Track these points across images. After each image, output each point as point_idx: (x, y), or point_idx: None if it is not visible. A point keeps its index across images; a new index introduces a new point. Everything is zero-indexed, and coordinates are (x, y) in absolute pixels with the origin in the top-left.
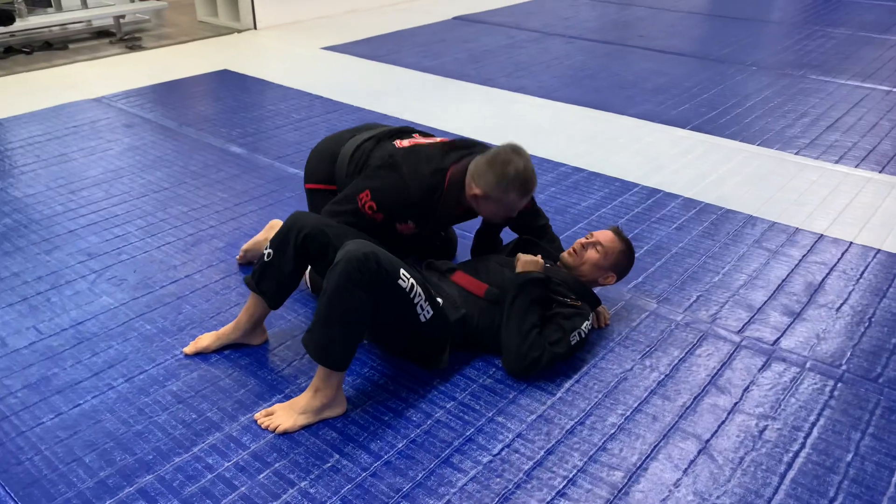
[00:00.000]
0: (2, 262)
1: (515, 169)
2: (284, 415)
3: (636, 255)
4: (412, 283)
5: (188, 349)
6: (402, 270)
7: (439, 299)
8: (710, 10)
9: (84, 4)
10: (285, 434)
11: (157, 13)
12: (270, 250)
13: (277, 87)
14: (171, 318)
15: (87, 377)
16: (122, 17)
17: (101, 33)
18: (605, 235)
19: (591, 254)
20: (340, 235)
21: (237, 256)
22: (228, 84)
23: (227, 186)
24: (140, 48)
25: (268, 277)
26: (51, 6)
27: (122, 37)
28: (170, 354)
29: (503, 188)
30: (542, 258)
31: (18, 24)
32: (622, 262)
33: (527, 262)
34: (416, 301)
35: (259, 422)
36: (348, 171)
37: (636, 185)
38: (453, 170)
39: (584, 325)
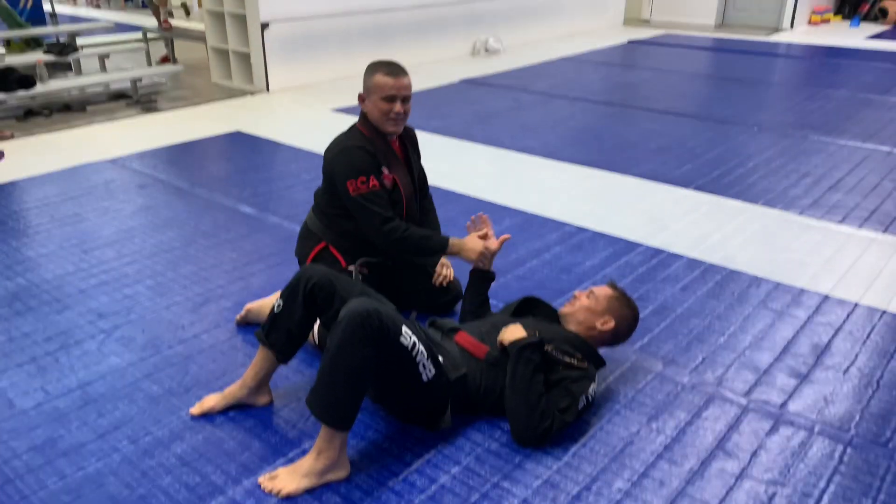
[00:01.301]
0: (13, 322)
1: (374, 62)
2: (288, 478)
3: (641, 315)
4: (414, 341)
5: (194, 410)
6: (404, 328)
7: (441, 358)
8: (712, 72)
9: (103, 68)
10: (288, 498)
11: (172, 76)
12: (280, 301)
13: (288, 148)
14: (177, 379)
15: (93, 439)
16: (139, 80)
17: (118, 96)
18: (599, 287)
19: (584, 300)
20: (347, 288)
21: (237, 316)
22: (240, 145)
23: (237, 246)
24: (155, 110)
25: (277, 329)
26: (71, 70)
27: (138, 99)
28: (175, 416)
29: (369, 74)
30: (539, 318)
31: (39, 88)
32: (616, 307)
33: (510, 332)
34: (418, 359)
35: (262, 485)
36: (320, 221)
37: (640, 244)
38: (359, 121)
39: (591, 387)
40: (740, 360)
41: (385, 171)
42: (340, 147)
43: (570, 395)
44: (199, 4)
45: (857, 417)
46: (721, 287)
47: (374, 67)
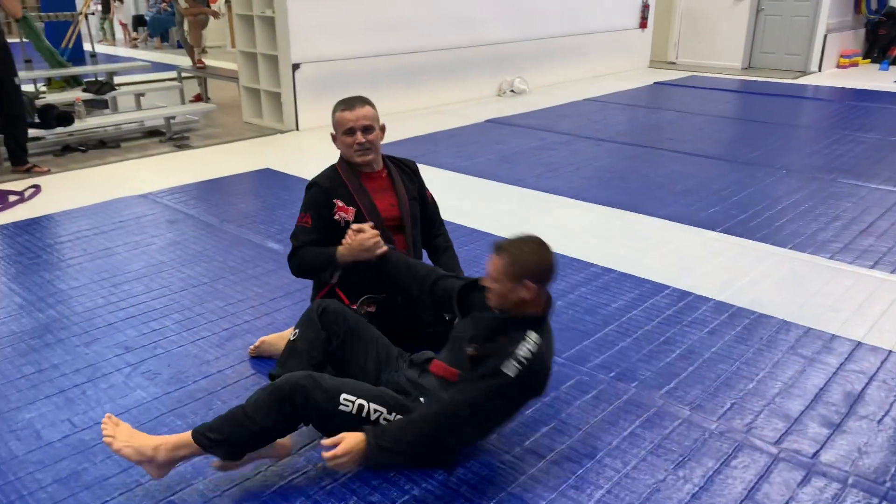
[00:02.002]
0: (43, 354)
1: (337, 102)
2: (124, 435)
3: (667, 359)
4: (360, 404)
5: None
6: (343, 396)
7: (415, 403)
8: (738, 114)
9: (138, 106)
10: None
11: (205, 114)
12: (296, 330)
13: None
14: (201, 414)
15: (116, 472)
16: (173, 117)
17: (152, 133)
18: (489, 262)
19: (489, 284)
20: (355, 319)
21: (251, 347)
22: (269, 182)
23: (264, 282)
24: (188, 147)
25: (294, 356)
26: (107, 107)
27: (171, 136)
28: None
29: (333, 114)
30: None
31: (77, 125)
32: (512, 269)
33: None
34: (374, 417)
35: (104, 423)
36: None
37: (667, 286)
38: (338, 160)
39: (518, 352)
40: (770, 408)
41: (339, 203)
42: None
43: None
44: (233, 45)
45: (893, 469)
46: (749, 331)
47: (336, 106)
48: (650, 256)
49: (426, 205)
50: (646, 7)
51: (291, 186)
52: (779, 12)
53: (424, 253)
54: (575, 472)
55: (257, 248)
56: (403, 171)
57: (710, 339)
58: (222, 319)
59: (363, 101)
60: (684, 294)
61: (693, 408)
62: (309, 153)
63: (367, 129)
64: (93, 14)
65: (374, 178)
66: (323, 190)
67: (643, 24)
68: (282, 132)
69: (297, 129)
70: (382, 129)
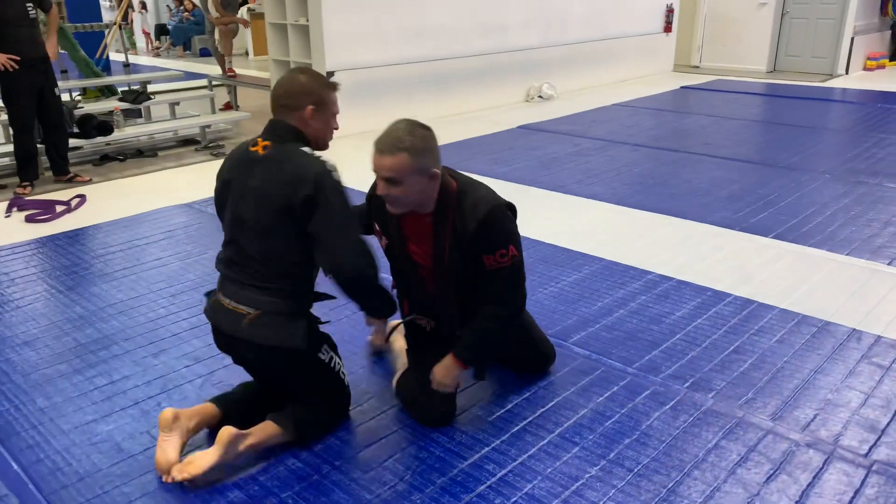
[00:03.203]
0: (112, 365)
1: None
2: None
3: (740, 368)
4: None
5: None
6: (324, 346)
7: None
8: (770, 118)
9: (173, 115)
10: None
11: (236, 122)
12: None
13: (358, 193)
14: None
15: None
16: (209, 126)
17: (187, 141)
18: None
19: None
20: None
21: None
22: None
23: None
24: (223, 155)
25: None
26: (141, 117)
27: (206, 145)
28: (282, 464)
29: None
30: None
31: (115, 135)
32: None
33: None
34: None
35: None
36: None
37: (728, 294)
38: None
39: None
40: (854, 419)
41: (377, 227)
42: None
43: None
44: (254, 53)
45: None
46: (819, 340)
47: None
48: (705, 263)
49: (482, 269)
50: (670, 11)
51: None
52: (804, 15)
53: None
54: (665, 486)
55: None
56: (461, 224)
57: (781, 349)
58: None
59: (394, 146)
60: (747, 302)
61: (775, 419)
62: (344, 160)
63: (389, 182)
64: (127, 25)
65: (418, 219)
66: (374, 206)
67: (668, 29)
68: None
69: None
70: (429, 175)
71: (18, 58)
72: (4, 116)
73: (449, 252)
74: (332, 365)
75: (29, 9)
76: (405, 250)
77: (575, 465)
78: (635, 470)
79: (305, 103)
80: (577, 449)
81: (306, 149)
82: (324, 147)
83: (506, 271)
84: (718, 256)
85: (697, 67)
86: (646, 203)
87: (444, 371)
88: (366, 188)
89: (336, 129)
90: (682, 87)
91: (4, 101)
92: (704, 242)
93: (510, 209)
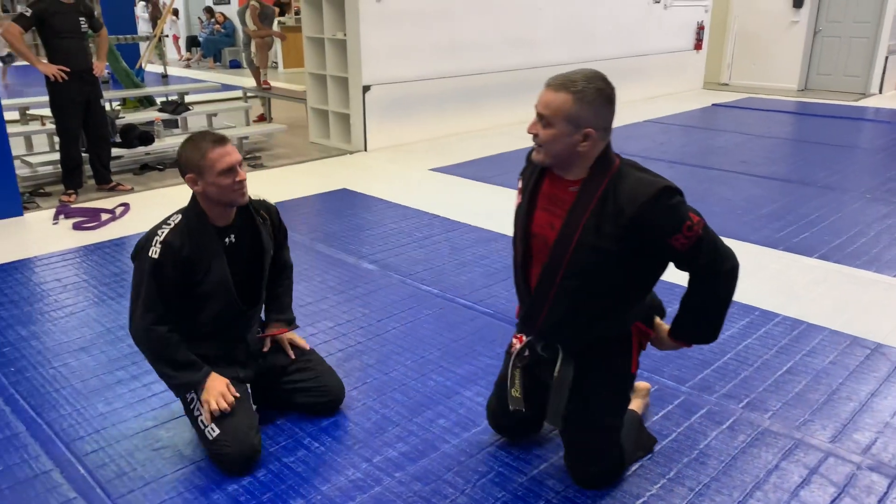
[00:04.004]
0: None
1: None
2: None
3: (795, 389)
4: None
5: None
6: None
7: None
8: (804, 136)
9: (209, 126)
10: None
11: (270, 134)
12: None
13: (396, 205)
14: (337, 437)
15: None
16: (246, 138)
17: None
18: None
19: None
20: None
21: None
22: (349, 202)
23: (366, 302)
24: (262, 167)
25: None
26: (178, 127)
27: (244, 156)
28: (342, 474)
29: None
30: None
31: (155, 145)
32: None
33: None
34: None
35: None
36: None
37: (776, 314)
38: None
39: None
40: None
41: (520, 182)
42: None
43: None
44: (285, 65)
45: None
46: (873, 362)
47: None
48: (750, 282)
49: (674, 255)
50: (701, 28)
51: (371, 206)
52: (837, 34)
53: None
54: None
55: (353, 269)
56: (619, 200)
57: (835, 370)
58: (336, 340)
59: (563, 84)
60: (796, 322)
61: (833, 440)
62: (381, 174)
63: (541, 119)
64: (167, 37)
65: (561, 184)
66: (529, 157)
67: (698, 46)
68: (350, 153)
69: (366, 149)
70: (583, 131)
71: (68, 69)
72: (50, 126)
73: (582, 230)
74: (193, 408)
75: (81, 22)
76: (529, 215)
77: (635, 484)
78: (696, 489)
79: (184, 173)
80: (637, 467)
81: (171, 218)
82: (231, 205)
83: (704, 241)
84: (763, 276)
85: (727, 85)
86: None
87: (667, 345)
88: (399, 197)
89: (230, 184)
90: (713, 105)
91: (53, 111)
92: (747, 261)
93: (678, 191)
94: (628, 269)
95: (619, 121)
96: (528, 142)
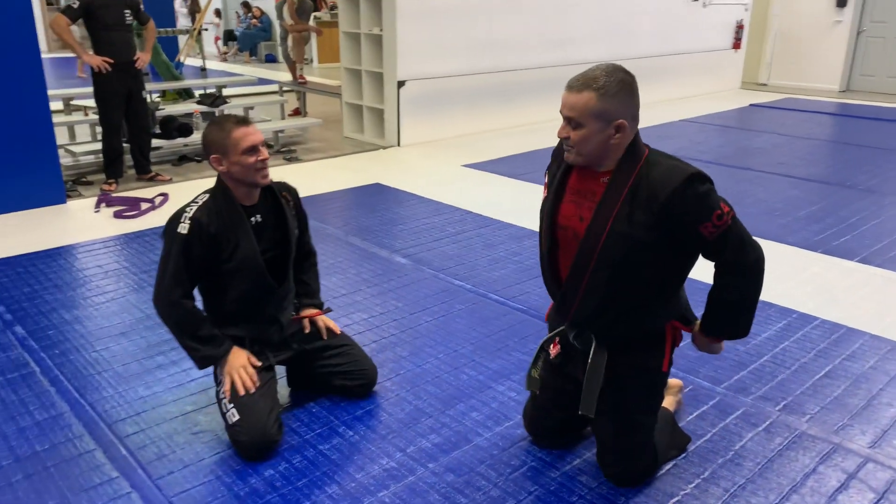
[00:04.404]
0: None
1: (217, 119)
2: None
3: (834, 393)
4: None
5: None
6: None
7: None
8: (845, 138)
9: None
10: None
11: (305, 128)
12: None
13: (429, 201)
14: (371, 426)
15: (306, 484)
16: (282, 131)
17: None
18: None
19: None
20: None
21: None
22: (382, 196)
23: (400, 295)
24: (297, 160)
25: None
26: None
27: (279, 149)
28: (377, 464)
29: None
30: None
31: (193, 136)
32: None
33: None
34: None
35: None
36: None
37: (815, 318)
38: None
39: None
40: None
41: (546, 177)
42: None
43: None
44: (320, 60)
45: None
46: None
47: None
48: (788, 285)
49: (702, 243)
50: (740, 27)
51: (404, 201)
52: (881, 34)
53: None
54: None
55: (386, 262)
56: (652, 188)
57: (875, 375)
58: (369, 332)
59: (585, 84)
60: (836, 326)
61: (873, 446)
62: (414, 169)
63: (570, 122)
64: (206, 30)
65: (590, 176)
66: (556, 153)
67: (736, 45)
68: (384, 148)
69: (399, 145)
70: (615, 125)
71: (112, 60)
72: (93, 116)
73: (614, 220)
74: (218, 391)
75: (126, 15)
76: (555, 207)
77: (669, 482)
78: (731, 490)
79: (209, 154)
80: (671, 466)
81: (199, 197)
82: (254, 185)
83: (732, 232)
84: (801, 278)
85: (765, 85)
86: None
87: (706, 346)
88: (432, 193)
89: (253, 163)
90: (750, 105)
91: (97, 102)
92: (785, 263)
93: (707, 177)
94: (659, 260)
95: (654, 119)
96: None
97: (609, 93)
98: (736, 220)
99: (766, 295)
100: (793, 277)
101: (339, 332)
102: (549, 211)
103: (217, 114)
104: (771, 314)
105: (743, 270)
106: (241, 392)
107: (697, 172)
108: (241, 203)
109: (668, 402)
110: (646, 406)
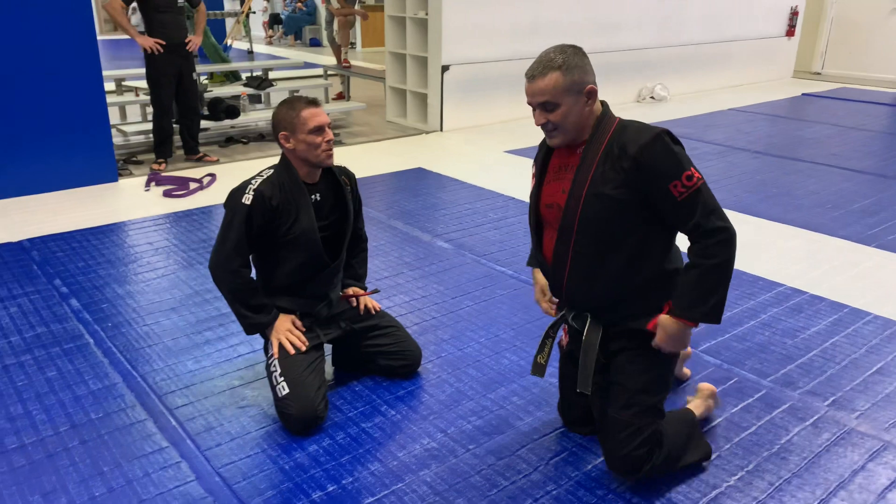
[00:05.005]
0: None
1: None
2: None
3: (884, 391)
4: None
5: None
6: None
7: None
8: None
9: None
10: None
11: (348, 112)
12: None
13: (471, 186)
14: (413, 406)
15: (350, 459)
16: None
17: None
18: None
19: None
20: None
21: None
22: (424, 181)
23: (441, 279)
24: (341, 144)
25: None
26: (260, 102)
27: None
28: (418, 443)
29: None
30: None
31: (240, 118)
32: (561, 81)
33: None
34: None
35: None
36: None
37: (868, 313)
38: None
39: None
40: None
41: (533, 169)
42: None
43: None
44: (363, 44)
45: None
46: None
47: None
48: (840, 279)
49: (670, 203)
50: (794, 14)
51: (447, 186)
52: None
53: None
54: None
55: (427, 247)
56: (623, 146)
57: None
58: (411, 314)
59: (546, 67)
60: (889, 322)
61: None
62: (457, 154)
63: (545, 107)
64: (254, 13)
65: (568, 152)
66: (541, 147)
67: (790, 32)
68: (426, 132)
69: (441, 129)
70: (586, 92)
71: (164, 42)
72: (144, 97)
73: (590, 183)
74: (269, 364)
75: None
76: (539, 188)
77: (713, 474)
78: (776, 484)
79: (277, 132)
80: (715, 457)
81: (264, 171)
82: (317, 164)
83: (702, 195)
84: (854, 273)
85: (819, 74)
86: (772, 213)
87: (668, 338)
88: (474, 178)
89: (319, 143)
90: (803, 94)
91: (148, 83)
92: (838, 257)
93: (677, 139)
94: (636, 223)
95: (701, 109)
96: None
97: (570, 66)
98: (707, 188)
99: (816, 289)
100: (845, 272)
101: (379, 309)
102: (535, 194)
103: (263, 96)
104: (821, 308)
105: (713, 236)
106: (292, 352)
107: (667, 131)
108: (303, 181)
109: (696, 406)
110: (645, 386)
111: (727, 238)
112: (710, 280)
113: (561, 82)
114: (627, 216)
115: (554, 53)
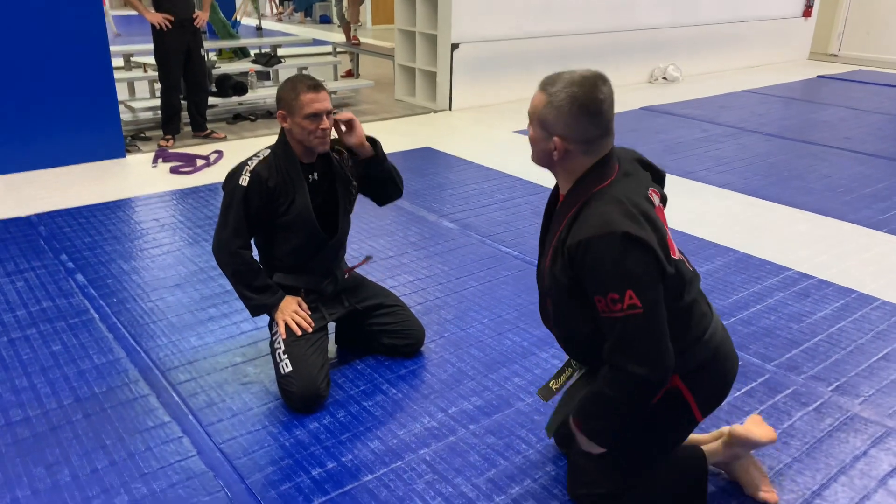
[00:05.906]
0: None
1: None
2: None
3: (893, 376)
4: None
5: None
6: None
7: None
8: None
9: None
10: None
11: (357, 90)
12: None
13: (479, 166)
14: (414, 385)
15: (340, 441)
16: (335, 92)
17: None
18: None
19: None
20: None
21: None
22: (432, 161)
23: (446, 259)
24: None
25: None
26: (268, 79)
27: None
28: (419, 422)
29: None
30: None
31: (248, 95)
32: (538, 104)
33: None
34: None
35: None
36: None
37: (876, 299)
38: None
39: None
40: None
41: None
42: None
43: None
44: (373, 22)
45: None
46: None
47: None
48: (848, 264)
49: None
50: None
51: (454, 166)
52: None
53: None
54: (810, 489)
55: (433, 226)
56: (570, 231)
57: None
58: (415, 294)
59: (545, 83)
60: None
61: None
62: (465, 134)
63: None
64: None
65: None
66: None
67: (807, 13)
68: (434, 111)
69: (450, 108)
70: (551, 141)
71: (172, 18)
72: (152, 73)
73: (550, 256)
74: (273, 340)
75: None
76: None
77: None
78: (777, 468)
79: (278, 109)
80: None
81: (261, 152)
82: (310, 149)
83: (619, 325)
84: (863, 258)
85: (835, 56)
86: (781, 196)
87: (578, 437)
88: (482, 158)
89: (313, 129)
90: (818, 77)
91: (157, 59)
92: (847, 242)
93: (641, 243)
94: (582, 309)
95: (709, 90)
96: (621, 106)
97: (553, 103)
98: (641, 321)
99: (824, 274)
100: (854, 256)
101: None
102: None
103: (271, 73)
104: (828, 293)
105: (617, 371)
106: (299, 333)
107: (625, 233)
108: (300, 160)
109: (713, 449)
110: (629, 446)
111: (629, 384)
112: (599, 404)
113: (538, 108)
114: (572, 300)
115: (566, 78)
